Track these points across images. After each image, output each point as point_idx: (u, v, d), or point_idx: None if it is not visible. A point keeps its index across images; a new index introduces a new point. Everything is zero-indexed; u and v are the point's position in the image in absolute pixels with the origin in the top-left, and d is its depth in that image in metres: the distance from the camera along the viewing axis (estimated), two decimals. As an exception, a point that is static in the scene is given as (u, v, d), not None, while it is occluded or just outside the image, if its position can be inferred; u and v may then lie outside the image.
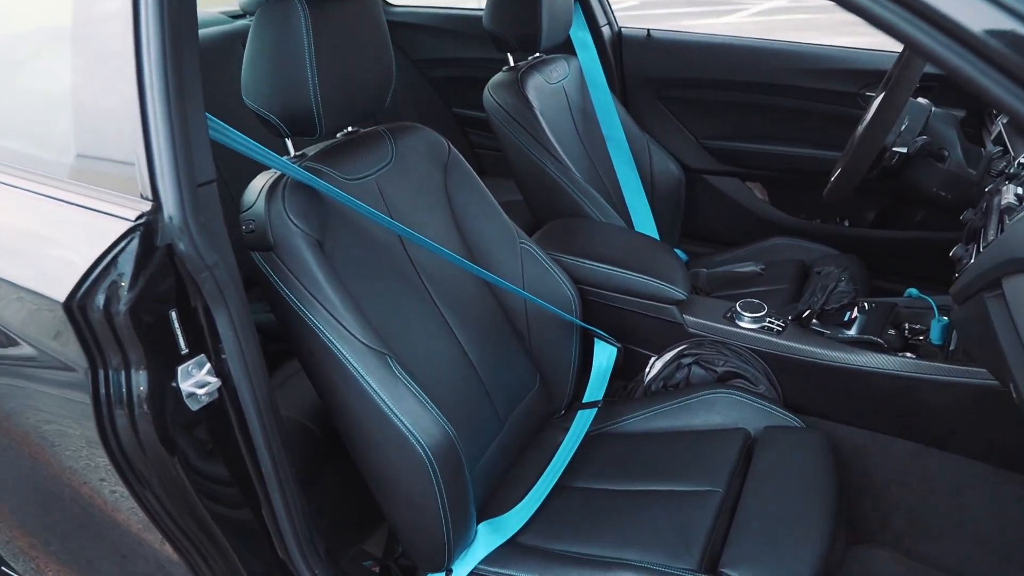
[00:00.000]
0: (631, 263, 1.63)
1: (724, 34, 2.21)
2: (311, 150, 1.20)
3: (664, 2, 9.24)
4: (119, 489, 0.96)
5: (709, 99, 2.18)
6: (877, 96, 1.53)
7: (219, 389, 0.95)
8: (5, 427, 1.10)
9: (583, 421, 1.43)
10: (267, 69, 1.08)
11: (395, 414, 1.03)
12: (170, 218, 0.86)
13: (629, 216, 2.00)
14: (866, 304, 1.56)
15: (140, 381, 0.88)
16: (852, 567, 1.32)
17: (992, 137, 1.53)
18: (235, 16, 2.34)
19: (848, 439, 1.44)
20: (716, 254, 2.12)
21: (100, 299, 0.85)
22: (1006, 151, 1.36)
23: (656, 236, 2.01)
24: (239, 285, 0.94)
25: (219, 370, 0.95)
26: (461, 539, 1.14)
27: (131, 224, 0.86)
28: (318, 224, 1.10)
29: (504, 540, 1.19)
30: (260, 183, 1.09)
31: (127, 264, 0.85)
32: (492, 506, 1.27)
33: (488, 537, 1.18)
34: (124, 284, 0.85)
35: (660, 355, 1.57)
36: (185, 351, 0.91)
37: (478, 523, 1.20)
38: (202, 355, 0.93)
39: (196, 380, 0.92)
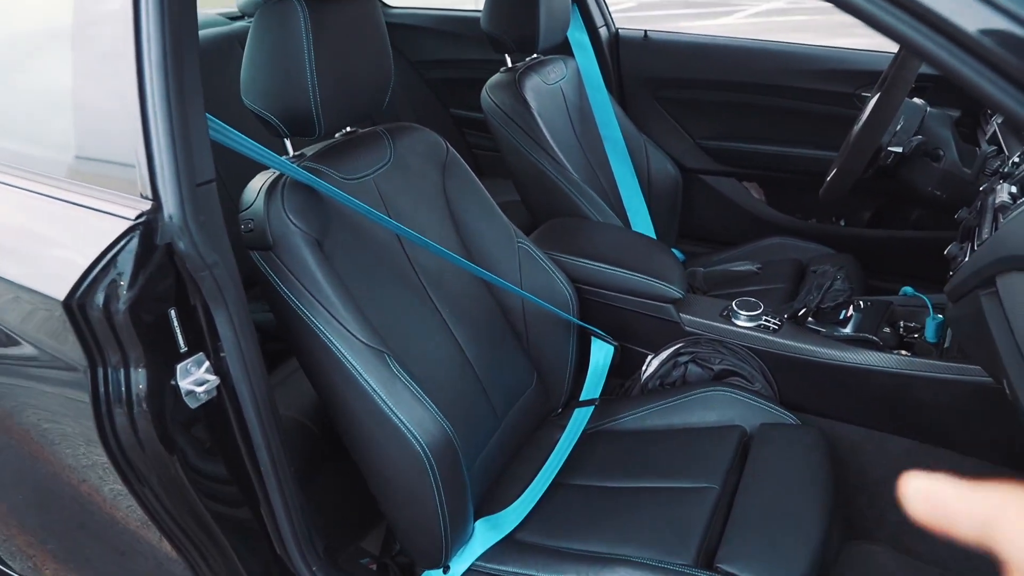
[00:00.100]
0: (628, 262, 1.64)
1: (721, 35, 2.22)
2: (310, 150, 1.21)
3: (661, 3, 9.26)
4: (118, 487, 0.97)
5: (706, 99, 2.19)
6: (873, 96, 1.54)
7: (218, 387, 0.95)
8: (4, 426, 1.10)
9: (580, 419, 1.44)
10: (266, 70, 1.09)
11: (393, 412, 1.03)
12: (170, 217, 0.87)
13: (626, 216, 2.01)
14: (861, 302, 1.57)
15: (139, 379, 0.88)
16: (847, 563, 1.32)
17: (987, 137, 1.54)
18: (233, 18, 2.35)
19: (844, 436, 1.45)
20: (713, 253, 2.13)
21: (100, 298, 0.85)
22: (1000, 150, 1.37)
23: (653, 236, 2.02)
24: (238, 284, 0.95)
25: (218, 368, 0.95)
26: (459, 536, 1.15)
27: (131, 223, 0.86)
28: (317, 223, 1.10)
29: (501, 537, 1.19)
30: (259, 183, 1.10)
31: (127, 263, 0.85)
32: (489, 503, 1.28)
33: (485, 534, 1.19)
34: (124, 283, 0.85)
35: (657, 353, 1.58)
36: (184, 349, 0.92)
37: (475, 520, 1.20)
38: (201, 353, 0.94)
39: (195, 378, 0.92)
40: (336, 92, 1.12)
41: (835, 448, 1.38)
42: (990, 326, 0.86)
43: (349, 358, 1.04)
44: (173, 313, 0.90)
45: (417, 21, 2.65)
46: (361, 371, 1.04)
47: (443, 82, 2.70)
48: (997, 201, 1.05)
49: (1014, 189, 1.06)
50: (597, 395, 1.53)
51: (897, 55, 1.40)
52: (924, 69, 1.56)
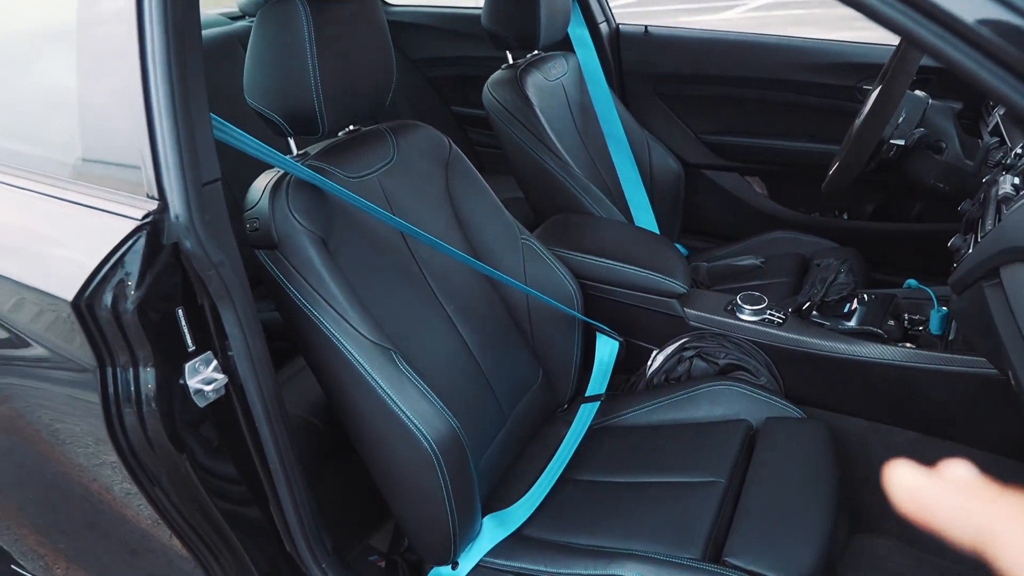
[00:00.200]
0: (632, 258, 1.64)
1: (721, 30, 2.22)
2: (313, 149, 1.21)
3: (660, -2, 9.24)
4: (128, 486, 0.97)
5: (707, 94, 2.19)
6: (874, 89, 1.54)
7: (226, 386, 0.96)
8: (15, 426, 1.11)
9: (586, 415, 1.45)
10: (269, 69, 1.09)
11: (400, 409, 1.04)
12: (176, 217, 0.87)
13: (629, 211, 2.01)
14: (866, 295, 1.57)
15: (148, 378, 0.89)
16: (854, 556, 1.33)
17: (989, 128, 1.54)
18: (234, 18, 2.35)
19: (849, 429, 1.45)
20: (716, 248, 2.13)
21: (108, 298, 0.86)
22: (1003, 142, 1.37)
23: (656, 231, 2.02)
24: (245, 283, 0.95)
25: (226, 367, 0.96)
26: (467, 532, 1.15)
27: (138, 223, 0.87)
28: (322, 222, 1.11)
29: (509, 533, 1.20)
30: (264, 182, 1.10)
31: (134, 263, 0.86)
32: (497, 499, 1.28)
33: (493, 530, 1.20)
34: (131, 283, 0.86)
35: (662, 348, 1.58)
36: (192, 348, 0.92)
37: (483, 516, 1.21)
38: (209, 352, 0.94)
39: (203, 377, 0.93)
40: (339, 90, 1.12)
41: (840, 441, 1.39)
42: (994, 317, 0.86)
43: (356, 356, 1.04)
44: (181, 312, 0.90)
45: (418, 19, 2.65)
46: (368, 369, 1.04)
47: (444, 79, 2.70)
48: (1000, 193, 1.05)
49: (1017, 180, 1.06)
50: (603, 391, 1.54)
51: (898, 48, 1.40)
52: (925, 61, 1.56)
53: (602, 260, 1.64)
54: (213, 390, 0.93)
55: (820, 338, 1.44)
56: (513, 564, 1.15)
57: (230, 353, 0.95)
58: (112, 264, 0.86)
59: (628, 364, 1.64)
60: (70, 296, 0.86)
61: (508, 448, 1.35)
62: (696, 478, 1.25)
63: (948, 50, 0.60)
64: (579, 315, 1.47)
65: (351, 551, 1.50)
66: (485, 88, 1.87)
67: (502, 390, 1.35)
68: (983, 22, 0.58)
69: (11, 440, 1.16)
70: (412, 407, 1.04)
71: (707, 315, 1.56)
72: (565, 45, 2.06)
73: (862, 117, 1.49)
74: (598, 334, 1.61)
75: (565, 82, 2.01)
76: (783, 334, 1.47)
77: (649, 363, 1.58)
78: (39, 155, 1.06)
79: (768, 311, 1.52)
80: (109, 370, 0.89)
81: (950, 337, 1.44)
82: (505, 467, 1.35)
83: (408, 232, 1.21)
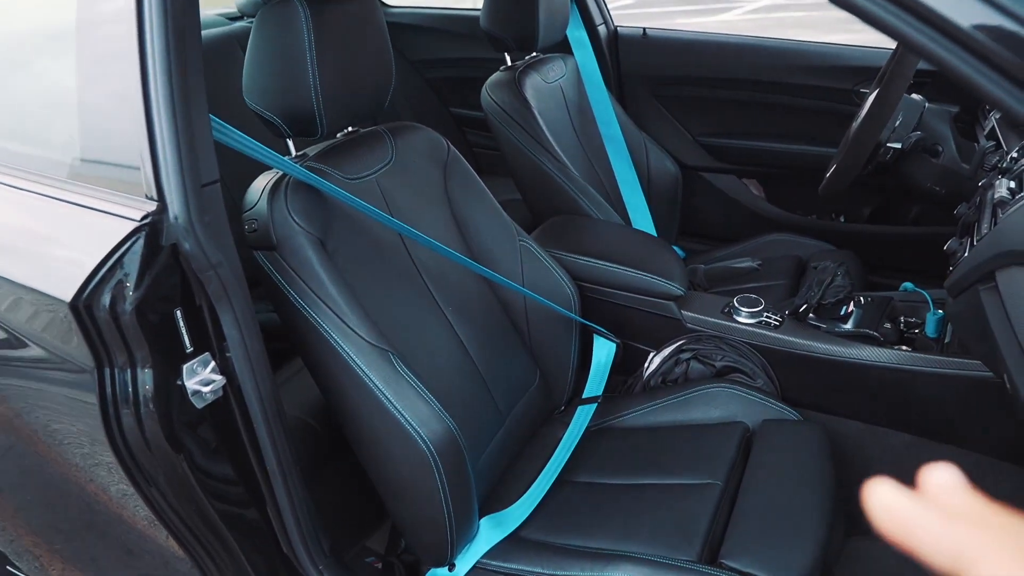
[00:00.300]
0: (629, 260, 1.65)
1: (719, 32, 2.22)
2: (312, 150, 1.21)
3: (659, 0, 9.25)
4: (124, 487, 0.97)
5: (705, 97, 2.19)
6: (871, 93, 1.54)
7: (224, 387, 0.96)
8: (12, 426, 1.11)
9: (583, 416, 1.45)
10: (268, 70, 1.09)
11: (398, 410, 1.04)
12: (175, 218, 0.87)
13: (627, 213, 2.01)
14: (862, 298, 1.57)
15: (146, 379, 0.89)
16: (850, 558, 1.33)
17: (985, 132, 1.54)
18: (232, 18, 2.35)
19: (845, 432, 1.45)
20: (713, 250, 2.14)
21: (106, 298, 0.86)
22: (999, 146, 1.38)
23: (654, 233, 2.03)
24: (243, 284, 0.95)
25: (224, 368, 0.96)
26: (464, 534, 1.15)
27: (136, 224, 0.87)
28: (320, 223, 1.11)
29: (506, 534, 1.20)
30: (262, 183, 1.10)
31: (133, 264, 0.86)
32: (494, 501, 1.28)
33: (490, 531, 1.20)
34: (130, 284, 0.86)
35: (659, 350, 1.58)
36: (190, 349, 0.92)
37: (480, 518, 1.21)
38: (207, 353, 0.94)
39: (201, 378, 0.93)
40: (338, 92, 1.12)
41: (837, 444, 1.39)
42: (990, 321, 0.87)
43: (354, 357, 1.05)
44: (179, 313, 0.90)
45: (416, 20, 2.65)
46: (366, 370, 1.04)
47: (443, 81, 2.70)
48: (996, 196, 1.05)
49: (1012, 184, 1.07)
50: (600, 392, 1.54)
51: (895, 51, 1.41)
52: (922, 65, 1.57)
53: (599, 262, 1.64)
54: (211, 391, 0.93)
55: (816, 340, 1.44)
56: (510, 566, 1.15)
57: (228, 354, 0.95)
58: (111, 265, 0.86)
59: (625, 366, 1.65)
60: (68, 297, 0.86)
61: (505, 449, 1.36)
62: (693, 480, 1.25)
63: (944, 55, 0.61)
64: (576, 317, 1.48)
65: (348, 552, 1.50)
66: (483, 90, 1.87)
67: (499, 392, 1.35)
68: (979, 27, 0.59)
69: (8, 440, 1.15)
70: (409, 408, 1.04)
71: (704, 317, 1.56)
72: (563, 47, 2.06)
73: (859, 120, 1.50)
74: (595, 336, 1.62)
75: (563, 84, 2.02)
76: (780, 336, 1.48)
77: (646, 365, 1.59)
78: (38, 155, 1.06)
79: (765, 313, 1.52)
80: (107, 371, 0.89)
81: (946, 340, 1.44)
82: (502, 468, 1.36)
83: (406, 233, 1.22)
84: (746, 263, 1.96)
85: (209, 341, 0.94)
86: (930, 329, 1.46)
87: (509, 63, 1.92)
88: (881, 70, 1.55)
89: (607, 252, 1.67)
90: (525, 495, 1.27)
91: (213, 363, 0.94)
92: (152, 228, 0.87)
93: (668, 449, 1.34)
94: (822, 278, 1.65)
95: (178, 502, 0.97)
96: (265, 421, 1.01)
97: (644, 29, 2.23)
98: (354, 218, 1.18)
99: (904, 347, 1.43)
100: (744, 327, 1.52)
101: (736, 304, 1.55)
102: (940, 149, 1.52)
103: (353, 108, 1.20)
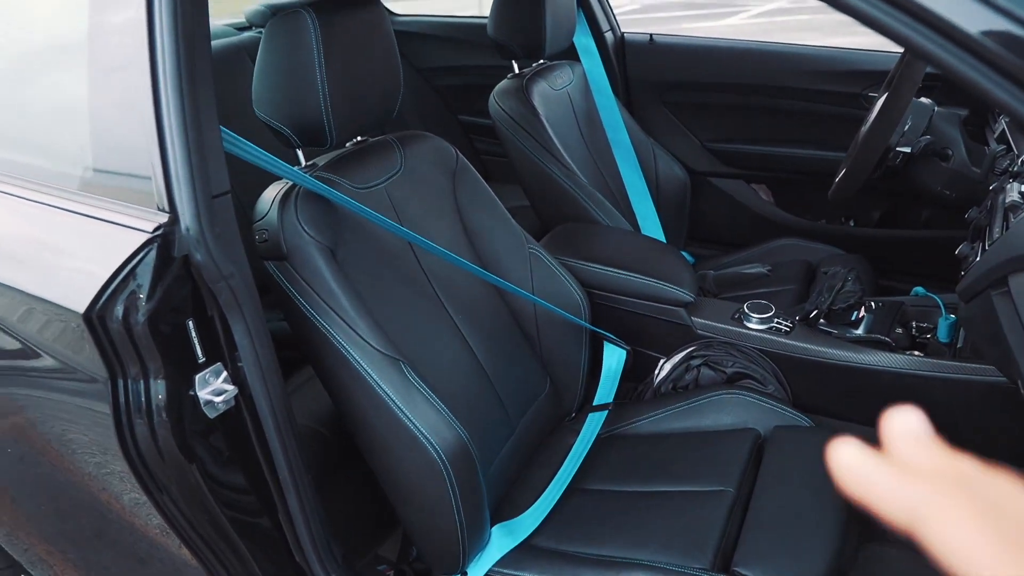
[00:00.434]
0: (638, 266, 1.65)
1: (726, 37, 2.23)
2: (321, 160, 1.22)
3: (664, 5, 9.26)
4: (137, 496, 0.97)
5: (712, 102, 2.19)
6: (880, 97, 1.54)
7: (236, 396, 0.96)
8: (26, 436, 1.12)
9: (594, 423, 1.45)
10: (278, 81, 1.10)
11: (409, 419, 1.04)
12: (187, 229, 0.88)
13: (635, 220, 2.01)
14: (873, 303, 1.57)
15: (159, 390, 0.89)
16: (864, 565, 1.32)
17: (995, 135, 1.54)
18: (241, 28, 2.36)
19: (858, 437, 1.44)
20: (723, 256, 2.13)
21: (119, 310, 0.86)
22: (1010, 149, 1.37)
23: (663, 239, 2.02)
24: (254, 294, 0.96)
25: (236, 378, 0.96)
26: (475, 542, 1.15)
27: (149, 236, 0.87)
28: (330, 233, 1.11)
29: (518, 542, 1.20)
30: (272, 193, 1.11)
31: (145, 275, 0.86)
32: (505, 509, 1.28)
33: (502, 539, 1.20)
34: (142, 295, 0.86)
35: (669, 357, 1.58)
36: (202, 359, 0.93)
37: (492, 526, 1.21)
38: (219, 363, 0.94)
39: (213, 388, 0.93)
40: (347, 102, 1.13)
41: (849, 449, 1.38)
42: (1003, 325, 0.86)
43: (364, 366, 1.05)
44: (191, 324, 0.91)
45: (423, 28, 2.66)
46: (376, 379, 1.05)
47: (450, 89, 2.71)
48: (1007, 200, 1.05)
49: (1024, 188, 1.06)
50: (610, 399, 1.54)
51: (904, 55, 1.40)
52: (931, 68, 1.56)
53: (609, 269, 1.64)
54: (223, 401, 0.93)
55: (828, 346, 1.44)
56: (521, 574, 1.15)
57: (240, 364, 0.96)
58: (123, 276, 0.87)
59: (635, 373, 1.64)
60: (82, 308, 0.87)
61: (516, 457, 1.35)
62: (705, 487, 1.25)
63: (951, 61, 0.60)
64: (586, 324, 1.48)
65: (360, 561, 1.50)
66: (491, 97, 1.87)
67: (510, 399, 1.35)
68: (987, 33, 0.59)
69: (22, 450, 1.16)
70: (420, 417, 1.05)
71: (714, 323, 1.56)
72: (571, 54, 2.07)
73: (868, 124, 1.50)
74: (605, 343, 1.61)
75: (571, 91, 2.02)
76: (790, 342, 1.47)
77: (656, 372, 1.58)
78: (51, 168, 1.07)
79: (775, 319, 1.52)
80: (120, 381, 0.89)
81: (958, 345, 1.44)
82: (513, 476, 1.35)
83: (415, 242, 1.22)
84: (756, 268, 1.96)
85: (221, 351, 0.95)
86: (942, 334, 1.45)
87: (517, 70, 1.93)
88: (890, 74, 1.55)
89: (616, 259, 1.67)
90: (536, 503, 1.26)
91: (225, 373, 0.95)
92: (164, 239, 0.87)
93: (679, 456, 1.34)
94: (832, 283, 1.65)
95: (190, 511, 0.98)
96: (277, 430, 1.01)
97: (651, 35, 2.23)
98: (364, 227, 1.19)
99: (916, 352, 1.42)
100: (755, 333, 1.51)
101: (746, 310, 1.55)
102: (950, 153, 1.51)
103: (362, 118, 1.20)
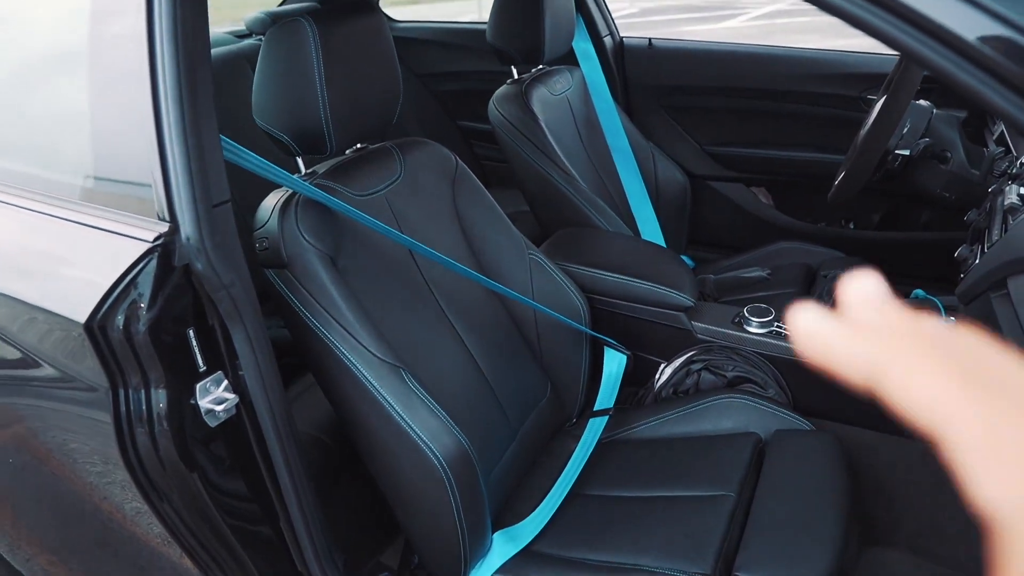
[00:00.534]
0: (638, 271, 1.65)
1: (725, 41, 2.23)
2: (321, 167, 1.22)
3: (663, 8, 9.28)
4: (139, 505, 0.98)
5: (712, 106, 2.20)
6: (879, 99, 1.54)
7: (237, 405, 0.96)
8: (27, 445, 1.12)
9: (595, 429, 1.45)
10: (277, 89, 1.11)
11: (410, 426, 1.04)
12: (187, 239, 0.88)
13: (635, 224, 2.02)
14: (873, 306, 1.56)
15: (159, 399, 0.90)
16: (866, 569, 1.32)
17: (994, 137, 1.54)
18: (241, 36, 2.37)
19: (859, 441, 1.44)
20: (723, 260, 2.13)
21: (120, 319, 0.86)
22: (1008, 151, 1.37)
23: (662, 243, 2.03)
24: (255, 303, 0.96)
25: (236, 386, 0.96)
26: (477, 549, 1.15)
27: (149, 245, 0.88)
28: (330, 240, 1.11)
29: (519, 549, 1.20)
30: (273, 201, 1.11)
31: (146, 284, 0.87)
32: (507, 515, 1.28)
33: (503, 546, 1.19)
34: (143, 304, 0.86)
35: (669, 361, 1.58)
36: (203, 368, 0.93)
37: (493, 532, 1.21)
38: (219, 372, 0.95)
39: (214, 397, 0.93)
40: (346, 110, 1.13)
41: (850, 453, 1.38)
42: (1002, 328, 0.86)
43: (365, 373, 1.05)
44: (191, 333, 0.91)
45: (423, 34, 2.67)
46: (377, 386, 1.05)
47: (450, 94, 2.72)
48: (1006, 203, 1.05)
49: (1023, 190, 1.07)
50: (611, 404, 1.54)
51: (902, 57, 1.41)
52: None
53: (609, 274, 1.64)
54: (224, 410, 0.94)
55: (828, 349, 1.43)
56: (524, 580, 1.15)
57: (240, 372, 0.96)
58: (124, 286, 0.87)
59: (636, 377, 1.64)
60: (83, 318, 0.87)
61: (517, 463, 1.36)
62: (706, 492, 1.24)
63: (950, 68, 0.61)
64: (587, 329, 1.48)
65: (362, 568, 1.49)
66: (491, 103, 1.88)
67: (511, 405, 1.35)
68: (984, 39, 0.59)
69: (24, 459, 1.16)
70: (421, 424, 1.05)
71: (714, 328, 1.56)
72: (570, 59, 2.07)
73: (867, 127, 1.50)
74: (606, 348, 1.62)
75: (570, 96, 2.02)
76: (791, 346, 1.47)
77: (657, 376, 1.58)
78: (52, 177, 1.07)
79: (775, 323, 1.52)
80: (121, 391, 0.90)
81: (959, 347, 1.43)
82: (514, 482, 1.35)
83: (416, 249, 1.22)
84: (756, 272, 1.96)
85: (222, 360, 0.95)
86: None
87: (516, 76, 1.93)
88: (888, 76, 1.55)
89: (616, 264, 1.67)
90: (538, 509, 1.26)
91: (226, 381, 0.95)
92: (164, 249, 0.88)
93: (680, 461, 1.34)
94: (832, 286, 1.65)
95: (192, 519, 0.98)
96: (278, 438, 1.01)
97: (650, 40, 2.23)
98: (364, 235, 1.19)
99: (917, 355, 1.42)
100: (755, 337, 1.51)
101: (746, 314, 1.55)
102: (949, 155, 1.51)
103: (361, 125, 1.21)
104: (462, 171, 1.39)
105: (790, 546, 1.12)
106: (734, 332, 1.54)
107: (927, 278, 1.80)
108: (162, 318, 0.87)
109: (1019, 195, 1.07)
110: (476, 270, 1.35)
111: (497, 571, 1.16)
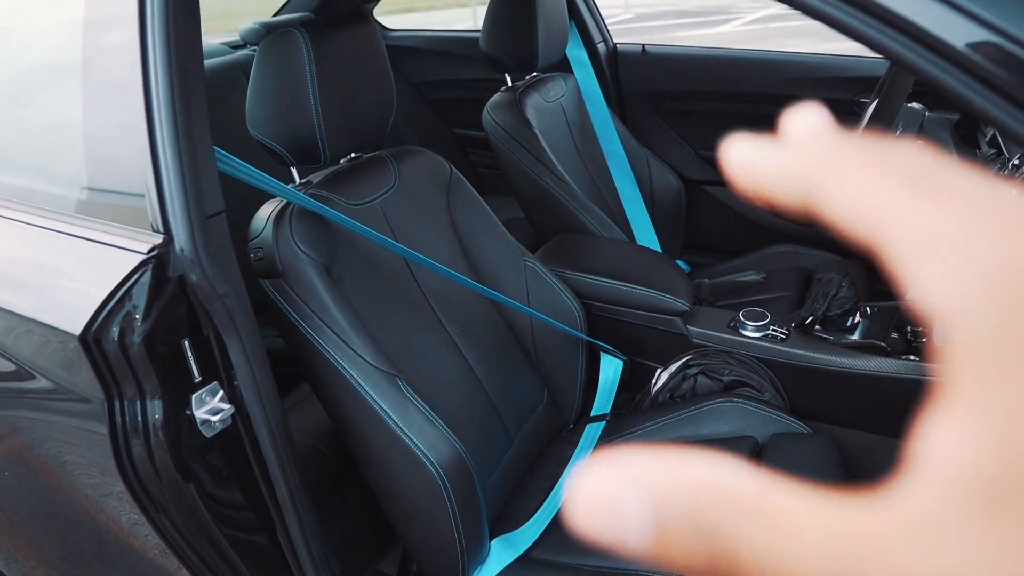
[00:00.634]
0: (634, 276, 1.65)
1: (718, 46, 2.24)
2: (316, 177, 1.23)
3: (657, 14, 9.31)
4: (136, 516, 0.98)
5: (705, 111, 2.21)
6: (871, 102, 1.55)
7: (232, 415, 0.96)
8: (23, 458, 1.12)
9: (592, 434, 1.45)
10: (271, 100, 1.11)
11: (406, 434, 1.04)
12: (181, 250, 0.88)
13: (631, 230, 2.02)
14: (868, 309, 1.57)
15: (155, 410, 0.90)
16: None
17: (987, 139, 1.54)
18: (236, 47, 2.37)
19: (855, 443, 1.45)
20: (719, 264, 2.14)
21: (115, 331, 0.87)
22: (1000, 153, 1.38)
23: (658, 248, 2.03)
24: (250, 313, 0.96)
25: (232, 397, 0.96)
26: (475, 556, 1.15)
27: (143, 257, 0.88)
28: (325, 250, 1.12)
29: (517, 555, 1.20)
30: (267, 211, 1.11)
31: (141, 296, 0.87)
32: (505, 521, 1.28)
33: (501, 553, 1.20)
34: (138, 316, 0.86)
35: (666, 366, 1.58)
36: (199, 379, 0.93)
37: (491, 539, 1.21)
38: (215, 382, 0.95)
39: (210, 407, 0.93)
40: (340, 120, 1.14)
41: (847, 455, 1.39)
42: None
43: (361, 382, 1.05)
44: (187, 344, 0.91)
45: (417, 43, 2.68)
46: (373, 395, 1.05)
47: (445, 102, 2.73)
48: (998, 205, 1.05)
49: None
50: (608, 410, 1.54)
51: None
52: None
53: (604, 280, 1.65)
54: (220, 420, 0.94)
55: (824, 352, 1.44)
56: (522, 587, 1.15)
57: (236, 383, 0.96)
58: (119, 298, 0.87)
59: (633, 383, 1.65)
60: (78, 330, 0.87)
61: (515, 470, 1.36)
62: (703, 496, 1.24)
63: (939, 75, 0.61)
64: (582, 335, 1.48)
65: (360, 576, 1.49)
66: (485, 111, 1.88)
67: (507, 412, 1.35)
68: (972, 46, 0.59)
69: (20, 472, 1.16)
70: (417, 432, 1.05)
71: (710, 332, 1.56)
72: (563, 66, 2.08)
73: (860, 130, 1.50)
74: (602, 353, 1.62)
75: (564, 103, 2.03)
76: (786, 349, 1.47)
77: (653, 381, 1.59)
78: (46, 190, 1.07)
79: (771, 327, 1.52)
80: (117, 402, 0.90)
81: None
82: (512, 489, 1.36)
83: (410, 258, 1.22)
84: (751, 276, 1.96)
85: (217, 370, 0.95)
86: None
87: (510, 83, 1.94)
88: (880, 80, 1.56)
89: (611, 269, 1.68)
90: (536, 515, 1.27)
91: (221, 392, 0.95)
92: (159, 260, 0.88)
93: (678, 465, 1.34)
94: (827, 289, 1.65)
95: (189, 530, 0.98)
96: (274, 448, 1.01)
97: (643, 46, 2.24)
98: (359, 244, 1.19)
99: (912, 357, 1.43)
100: (750, 341, 1.51)
101: (742, 318, 1.55)
102: (941, 158, 1.52)
103: (355, 135, 1.21)
104: (456, 179, 1.40)
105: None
106: (730, 336, 1.54)
107: (922, 280, 1.80)
108: (157, 329, 0.87)
109: (1011, 197, 1.08)
110: (471, 278, 1.35)
111: (495, 578, 1.16)
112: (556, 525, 1.26)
